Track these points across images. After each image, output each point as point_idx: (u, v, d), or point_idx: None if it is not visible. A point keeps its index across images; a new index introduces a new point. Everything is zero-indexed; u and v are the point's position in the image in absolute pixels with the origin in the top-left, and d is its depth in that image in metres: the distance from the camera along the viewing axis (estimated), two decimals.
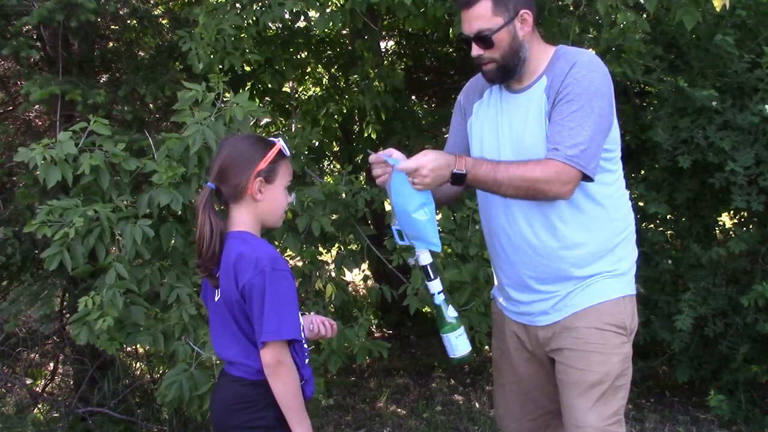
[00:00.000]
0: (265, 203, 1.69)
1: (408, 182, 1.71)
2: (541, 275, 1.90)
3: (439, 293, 1.84)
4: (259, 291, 1.58)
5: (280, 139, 1.74)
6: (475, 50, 1.84)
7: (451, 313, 1.84)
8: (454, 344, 1.85)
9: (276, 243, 2.87)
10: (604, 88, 1.78)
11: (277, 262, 1.62)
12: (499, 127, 1.91)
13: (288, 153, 1.75)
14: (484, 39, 1.80)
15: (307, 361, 1.74)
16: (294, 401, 1.62)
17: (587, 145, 1.72)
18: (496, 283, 2.12)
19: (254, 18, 3.10)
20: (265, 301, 1.58)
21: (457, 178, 1.72)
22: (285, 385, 1.61)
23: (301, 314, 1.75)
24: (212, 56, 3.01)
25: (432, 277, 1.83)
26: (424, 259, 1.82)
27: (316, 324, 1.90)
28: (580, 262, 1.86)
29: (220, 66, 3.05)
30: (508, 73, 1.85)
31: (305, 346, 1.74)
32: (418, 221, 1.74)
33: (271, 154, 1.69)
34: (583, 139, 1.72)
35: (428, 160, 1.69)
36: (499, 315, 2.12)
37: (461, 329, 1.84)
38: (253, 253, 1.61)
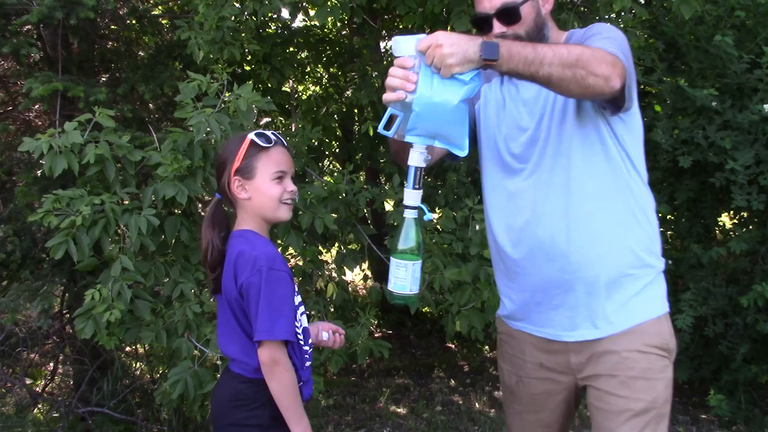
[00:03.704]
0: (253, 200, 1.68)
1: (435, 72, 1.42)
2: (568, 284, 1.67)
3: (413, 209, 1.52)
4: (255, 290, 1.59)
5: (251, 132, 1.69)
6: (497, 28, 1.65)
7: (414, 237, 1.51)
8: (402, 276, 1.51)
9: (278, 242, 2.87)
10: (627, 46, 1.57)
11: (275, 262, 1.62)
12: (515, 113, 1.72)
13: (269, 143, 1.68)
14: (510, 12, 1.62)
15: (308, 363, 1.73)
16: (290, 401, 1.61)
17: (627, 65, 1.49)
18: (507, 301, 1.84)
19: (254, 11, 3.10)
20: (260, 300, 1.59)
21: (489, 50, 1.38)
22: (281, 385, 1.61)
23: (310, 320, 1.74)
24: (212, 46, 2.99)
25: (415, 185, 1.50)
26: (416, 159, 1.49)
27: (322, 332, 1.88)
28: (612, 272, 1.65)
29: (219, 57, 3.04)
30: None
31: (306, 348, 1.73)
32: (446, 111, 1.43)
33: (242, 151, 1.67)
34: (621, 56, 1.48)
35: (445, 34, 1.40)
36: (513, 337, 1.84)
37: (417, 264, 1.51)
38: (252, 251, 1.62)
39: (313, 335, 1.85)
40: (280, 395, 1.61)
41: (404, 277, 1.50)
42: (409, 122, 1.44)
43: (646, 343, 1.65)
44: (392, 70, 1.43)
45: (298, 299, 1.74)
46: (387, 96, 1.44)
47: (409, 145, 1.50)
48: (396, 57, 1.45)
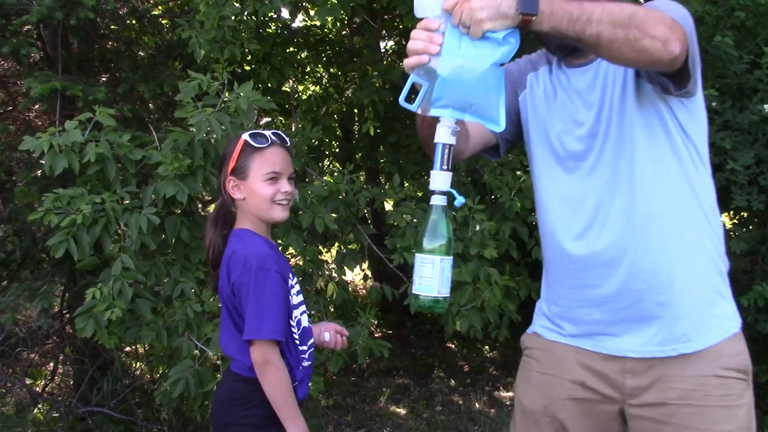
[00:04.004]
0: (248, 200, 1.68)
1: (464, 32, 1.21)
2: (636, 295, 1.45)
3: (441, 194, 1.28)
4: (245, 289, 1.60)
5: (244, 133, 1.69)
6: None
7: (445, 229, 1.28)
8: (428, 275, 1.26)
9: (279, 241, 2.87)
10: (692, 23, 1.35)
11: (265, 261, 1.62)
12: (569, 105, 1.52)
13: (263, 143, 1.67)
14: None
15: (306, 363, 1.72)
16: (283, 401, 1.61)
17: (688, 33, 1.29)
18: (554, 308, 1.60)
19: (254, 10, 3.10)
20: (249, 299, 1.60)
21: (527, 3, 1.17)
22: (272, 385, 1.61)
23: (314, 320, 1.74)
24: (212, 45, 2.99)
25: (443, 166, 1.27)
26: (443, 135, 1.27)
27: (324, 333, 1.87)
28: (687, 281, 1.44)
29: (220, 56, 3.04)
30: None
31: (303, 348, 1.72)
32: (478, 77, 1.22)
33: (236, 151, 1.68)
34: (682, 23, 1.28)
35: None
36: (550, 352, 1.59)
37: (447, 261, 1.27)
38: (244, 250, 1.63)
39: (316, 335, 1.84)
40: (273, 395, 1.61)
41: (431, 276, 1.26)
42: (434, 92, 1.24)
43: (723, 366, 1.43)
44: (414, 33, 1.24)
45: (298, 298, 1.73)
46: (408, 61, 1.24)
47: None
48: (419, 19, 1.25)
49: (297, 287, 1.75)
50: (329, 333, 1.87)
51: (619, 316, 1.46)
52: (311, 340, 1.77)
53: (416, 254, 1.28)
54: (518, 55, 1.51)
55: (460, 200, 1.29)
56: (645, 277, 1.43)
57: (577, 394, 1.52)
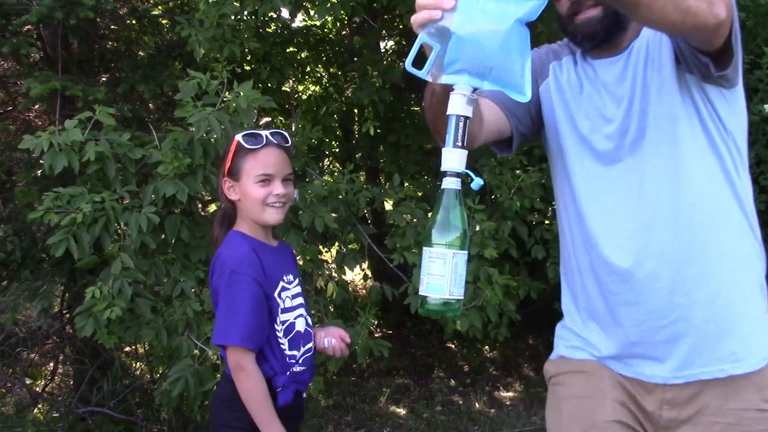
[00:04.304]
0: (242, 202, 1.66)
1: None
2: (680, 309, 1.31)
3: (454, 176, 1.06)
4: (220, 292, 1.60)
5: (239, 134, 1.65)
6: None
7: (459, 218, 1.06)
8: (438, 272, 1.05)
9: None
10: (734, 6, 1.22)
11: (240, 265, 1.59)
12: (596, 100, 1.38)
13: (255, 144, 1.63)
14: None
15: (296, 369, 1.67)
16: (257, 407, 1.58)
17: (732, 5, 1.17)
18: (575, 326, 1.45)
19: (254, 9, 3.10)
20: (219, 303, 1.59)
21: None
22: (245, 391, 1.59)
23: (314, 320, 1.72)
24: (212, 43, 2.99)
25: (457, 142, 1.05)
26: (458, 106, 1.06)
27: (324, 339, 1.79)
28: (734, 293, 1.32)
29: (219, 55, 3.04)
30: (617, 24, 1.31)
31: (292, 353, 1.67)
32: (499, 37, 1.02)
33: (231, 152, 1.66)
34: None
35: None
36: (586, 373, 1.41)
37: (461, 256, 1.06)
38: (226, 253, 1.63)
39: (318, 339, 1.79)
40: (246, 401, 1.59)
41: (441, 274, 1.04)
42: (448, 54, 1.03)
43: (764, 398, 1.29)
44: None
45: (295, 301, 1.69)
46: (417, 17, 1.03)
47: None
48: None
49: (294, 290, 1.71)
50: (328, 340, 1.79)
51: (661, 335, 1.31)
52: (308, 345, 1.72)
53: (425, 248, 1.07)
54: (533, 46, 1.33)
55: (477, 182, 1.09)
56: (689, 288, 1.29)
57: (622, 417, 1.34)
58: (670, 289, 1.30)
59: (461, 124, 1.05)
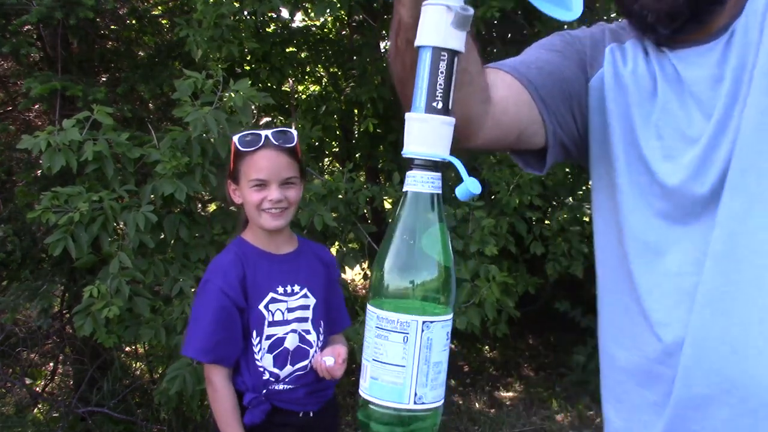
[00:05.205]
0: (244, 206, 1.62)
1: None
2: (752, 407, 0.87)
3: (426, 166, 0.67)
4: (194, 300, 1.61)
5: (236, 135, 1.59)
6: None
7: (434, 249, 0.65)
8: (391, 360, 0.62)
9: None
10: None
11: (214, 275, 1.55)
12: (677, 110, 0.91)
13: (249, 146, 1.55)
14: None
15: (281, 386, 1.58)
16: (221, 422, 1.54)
17: None
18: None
19: (253, 9, 3.10)
20: (191, 311, 1.59)
21: None
22: (212, 403, 1.56)
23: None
24: (210, 43, 3.00)
25: (433, 98, 0.65)
26: (436, 30, 0.64)
27: (323, 359, 1.60)
28: None
29: (218, 55, 3.05)
30: (707, 2, 0.88)
31: (273, 370, 1.57)
32: None
33: (232, 155, 1.62)
34: None
35: None
36: None
37: (444, 322, 0.64)
38: (214, 259, 1.62)
39: (317, 356, 1.62)
40: (214, 413, 1.56)
41: (399, 363, 0.61)
42: None
43: None
44: None
45: (291, 315, 1.60)
46: None
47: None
48: None
49: (295, 302, 1.60)
50: (323, 361, 1.58)
51: None
52: (302, 363, 1.60)
53: (369, 308, 0.64)
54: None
55: (473, 184, 0.65)
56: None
57: None
58: (744, 393, 0.86)
59: (443, 65, 0.61)
